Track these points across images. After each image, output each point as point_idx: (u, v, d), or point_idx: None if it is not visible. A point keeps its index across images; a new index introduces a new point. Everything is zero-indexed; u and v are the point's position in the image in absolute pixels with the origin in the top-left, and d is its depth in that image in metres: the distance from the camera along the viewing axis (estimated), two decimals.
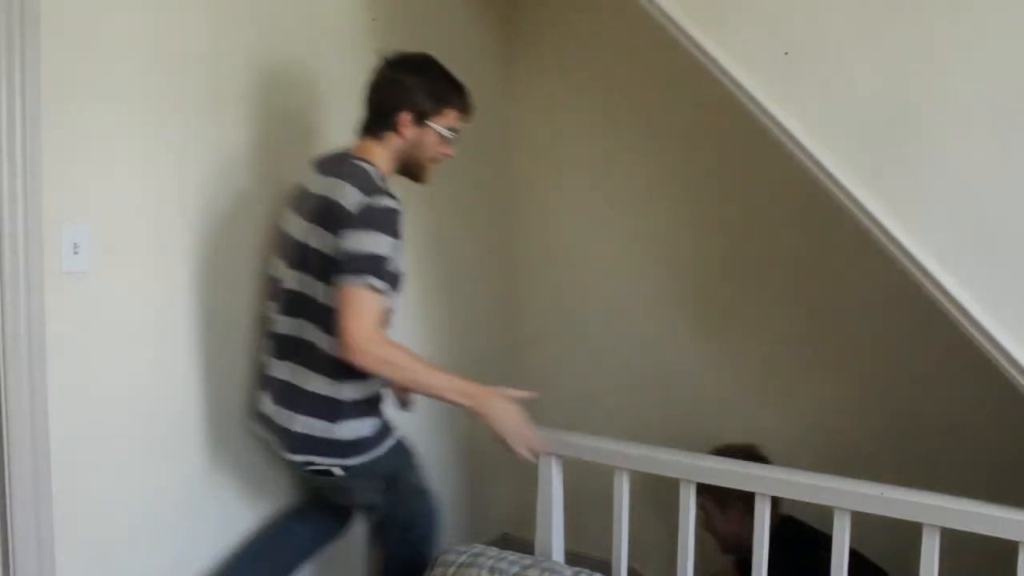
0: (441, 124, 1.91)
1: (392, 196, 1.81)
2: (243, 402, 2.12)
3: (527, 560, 1.76)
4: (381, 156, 1.90)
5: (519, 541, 2.75)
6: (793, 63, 1.63)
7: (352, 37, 2.37)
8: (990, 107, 1.48)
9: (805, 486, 1.68)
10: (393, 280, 1.80)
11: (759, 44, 1.66)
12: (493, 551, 1.79)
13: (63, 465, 1.74)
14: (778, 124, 1.63)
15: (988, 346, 1.49)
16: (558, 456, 1.95)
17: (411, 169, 1.97)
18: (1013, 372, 1.48)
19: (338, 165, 1.87)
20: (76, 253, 1.74)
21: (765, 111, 1.64)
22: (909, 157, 1.55)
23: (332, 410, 1.85)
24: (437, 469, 2.72)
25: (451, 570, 1.75)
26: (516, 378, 2.56)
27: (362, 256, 1.73)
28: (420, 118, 1.89)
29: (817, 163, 1.60)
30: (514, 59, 2.98)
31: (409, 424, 2.61)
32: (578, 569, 1.73)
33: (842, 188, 1.58)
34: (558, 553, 1.96)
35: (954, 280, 1.50)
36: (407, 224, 1.82)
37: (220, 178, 2.03)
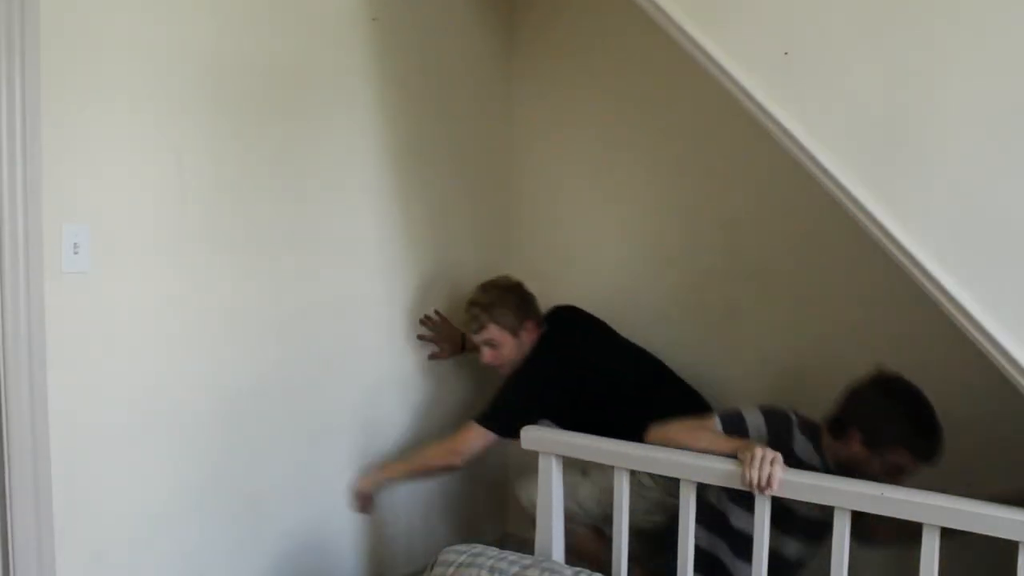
0: (889, 457, 1.85)
1: (788, 423, 1.97)
2: (244, 402, 2.12)
3: (527, 560, 1.76)
4: (827, 443, 1.94)
5: (519, 541, 2.74)
6: (793, 63, 1.63)
7: (352, 36, 2.37)
8: (990, 107, 1.48)
9: (806, 486, 1.68)
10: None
11: (759, 44, 1.66)
12: (493, 551, 1.79)
13: (63, 466, 1.74)
14: (778, 124, 1.62)
15: (988, 346, 1.48)
16: (558, 456, 1.95)
17: (849, 473, 1.87)
18: (1013, 372, 1.48)
19: None
20: (76, 253, 1.74)
21: (765, 111, 1.63)
22: (909, 157, 1.54)
23: None
24: None
25: (451, 570, 1.74)
26: None
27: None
28: (871, 443, 1.86)
29: (817, 163, 1.60)
30: (515, 58, 2.98)
31: (412, 422, 2.62)
32: (578, 569, 1.74)
33: (842, 188, 1.58)
34: (558, 553, 1.96)
35: (954, 280, 1.50)
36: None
37: (220, 177, 2.03)
